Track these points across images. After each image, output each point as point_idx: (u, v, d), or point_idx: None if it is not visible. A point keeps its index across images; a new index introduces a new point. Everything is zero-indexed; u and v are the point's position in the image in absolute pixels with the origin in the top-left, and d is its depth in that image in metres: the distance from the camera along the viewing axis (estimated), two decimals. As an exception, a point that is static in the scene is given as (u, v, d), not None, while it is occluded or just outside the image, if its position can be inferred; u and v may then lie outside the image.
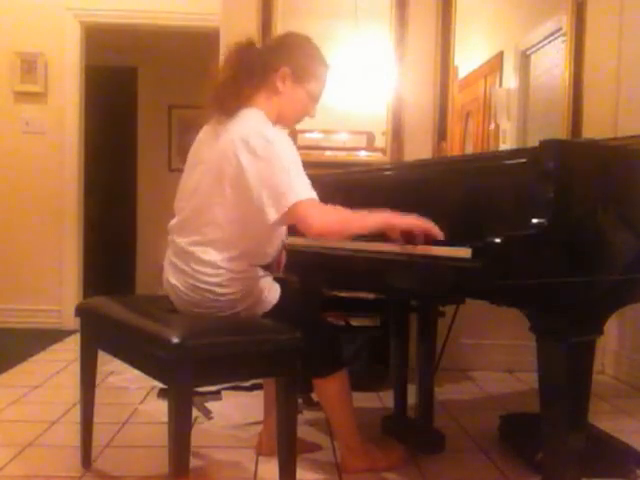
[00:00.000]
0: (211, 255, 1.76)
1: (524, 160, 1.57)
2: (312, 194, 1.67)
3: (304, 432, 2.20)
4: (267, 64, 1.84)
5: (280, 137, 1.74)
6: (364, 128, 3.34)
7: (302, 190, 1.66)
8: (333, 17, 3.27)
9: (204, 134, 1.88)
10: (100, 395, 2.03)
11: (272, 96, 1.85)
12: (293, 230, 1.98)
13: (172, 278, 1.83)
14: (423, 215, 1.64)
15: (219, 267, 1.75)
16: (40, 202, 4.29)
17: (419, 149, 3.23)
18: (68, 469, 1.97)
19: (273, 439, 1.82)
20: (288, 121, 1.91)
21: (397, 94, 3.26)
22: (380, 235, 1.71)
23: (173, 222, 1.88)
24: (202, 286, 1.77)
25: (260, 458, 2.08)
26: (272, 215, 1.66)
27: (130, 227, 5.75)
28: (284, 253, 2.01)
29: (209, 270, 1.76)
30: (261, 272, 1.85)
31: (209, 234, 1.76)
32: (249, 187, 1.68)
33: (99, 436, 2.06)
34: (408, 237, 1.65)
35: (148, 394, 2.75)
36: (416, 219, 1.64)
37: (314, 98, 1.91)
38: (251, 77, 1.81)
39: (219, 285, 1.76)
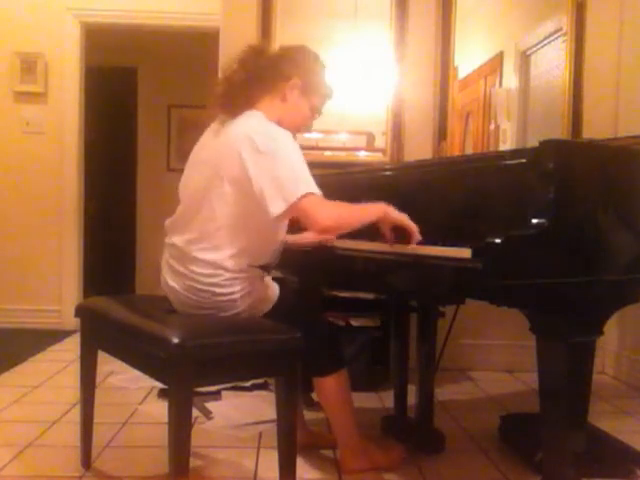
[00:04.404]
0: (209, 254, 1.75)
1: (524, 160, 1.57)
2: (317, 189, 1.68)
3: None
4: (279, 71, 1.88)
5: (284, 134, 1.75)
6: (364, 128, 3.33)
7: (309, 184, 1.68)
8: (333, 17, 3.27)
9: (206, 135, 1.89)
10: (100, 395, 2.03)
11: (276, 102, 1.88)
12: (291, 229, 1.97)
13: (170, 280, 1.84)
14: (423, 215, 1.63)
15: (217, 267, 1.75)
16: (40, 202, 4.28)
17: (419, 149, 3.23)
18: (68, 469, 1.97)
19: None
20: (285, 129, 1.93)
21: (397, 94, 3.26)
22: (370, 230, 1.74)
23: (170, 220, 1.89)
24: (200, 287, 1.76)
25: (260, 458, 2.09)
26: (277, 208, 1.66)
27: (130, 227, 5.74)
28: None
29: (206, 271, 1.75)
30: (260, 272, 1.85)
31: (207, 230, 1.76)
32: (251, 182, 1.68)
33: (99, 436, 2.07)
34: (397, 234, 1.71)
35: (148, 394, 2.75)
36: (406, 218, 1.70)
37: (315, 112, 1.96)
38: (262, 81, 1.86)
39: (218, 285, 1.76)
